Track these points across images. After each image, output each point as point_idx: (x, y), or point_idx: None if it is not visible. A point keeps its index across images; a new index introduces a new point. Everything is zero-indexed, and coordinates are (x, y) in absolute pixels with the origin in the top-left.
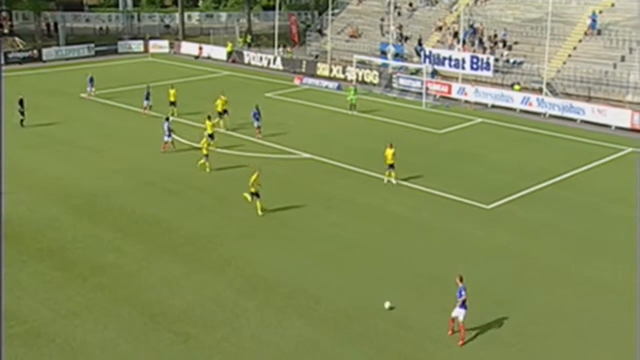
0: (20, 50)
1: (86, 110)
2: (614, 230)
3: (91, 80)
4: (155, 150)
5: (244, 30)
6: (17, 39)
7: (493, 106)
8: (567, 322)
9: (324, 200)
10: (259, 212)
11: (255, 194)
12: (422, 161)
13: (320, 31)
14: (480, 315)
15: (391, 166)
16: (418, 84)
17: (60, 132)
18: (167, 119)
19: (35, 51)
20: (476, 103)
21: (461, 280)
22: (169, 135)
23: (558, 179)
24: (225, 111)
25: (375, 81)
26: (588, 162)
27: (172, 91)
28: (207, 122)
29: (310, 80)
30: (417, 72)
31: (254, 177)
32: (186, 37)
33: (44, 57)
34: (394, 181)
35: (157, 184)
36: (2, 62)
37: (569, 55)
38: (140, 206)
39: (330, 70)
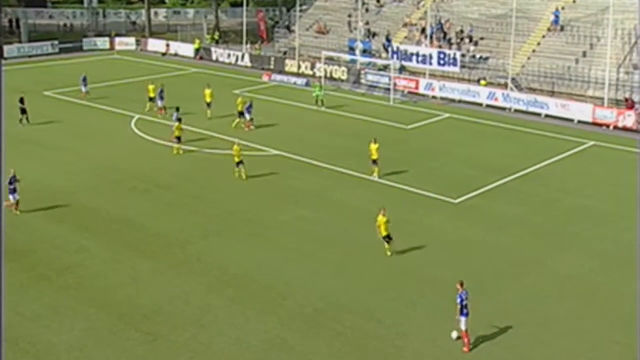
0: None
1: (51, 108)
2: (576, 222)
3: (84, 79)
4: (122, 149)
5: (211, 27)
6: None
7: (460, 101)
8: (534, 313)
9: (293, 196)
10: (388, 253)
11: (387, 237)
12: (390, 156)
13: (288, 27)
14: (449, 307)
15: (374, 162)
16: (386, 79)
17: (24, 131)
18: (177, 109)
19: None
20: (443, 98)
21: (462, 285)
22: None
23: (523, 172)
24: (209, 103)
25: (344, 77)
26: (552, 156)
27: (150, 87)
28: (175, 124)
29: (278, 77)
30: (385, 68)
31: (380, 218)
32: (153, 34)
33: (6, 54)
34: (376, 177)
35: (124, 183)
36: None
37: (533, 51)
38: (107, 205)
39: (299, 67)
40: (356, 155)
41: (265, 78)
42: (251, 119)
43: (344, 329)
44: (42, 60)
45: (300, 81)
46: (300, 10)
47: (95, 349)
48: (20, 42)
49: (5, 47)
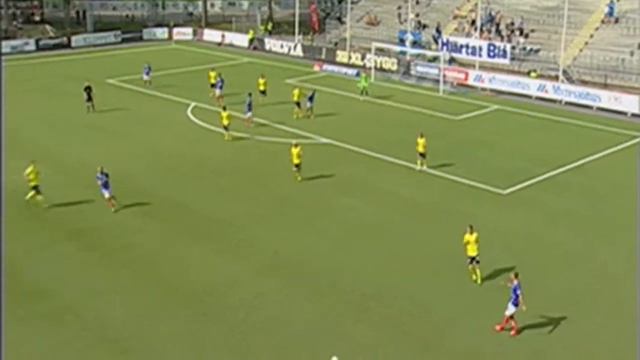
0: (50, 38)
1: (113, 95)
2: (625, 216)
3: (149, 68)
4: (178, 135)
5: (265, 18)
6: (47, 26)
7: (509, 93)
8: (580, 306)
9: (342, 184)
10: (478, 281)
11: (474, 259)
12: (438, 147)
13: (339, 19)
14: (496, 298)
15: (422, 155)
16: (435, 71)
17: (88, 117)
18: (250, 95)
19: (64, 38)
20: (492, 90)
21: (516, 277)
22: (250, 111)
23: (573, 165)
24: (264, 91)
25: (394, 68)
26: (603, 149)
27: (212, 73)
28: (223, 113)
29: (329, 67)
30: (435, 59)
31: (466, 236)
32: (209, 25)
33: (73, 44)
34: (424, 168)
35: (180, 168)
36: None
37: (586, 43)
38: (163, 189)
39: (349, 57)
40: (405, 145)
41: (316, 68)
42: (311, 108)
43: (392, 314)
44: (105, 49)
45: (351, 72)
46: (352, 2)
47: (152, 325)
48: (86, 32)
49: (73, 37)
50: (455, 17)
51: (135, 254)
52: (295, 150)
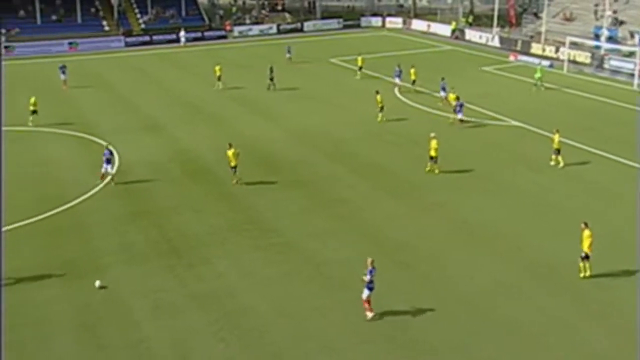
0: (288, 23)
1: (333, 72)
2: None
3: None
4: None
5: (466, 11)
6: (286, 14)
7: None
8: None
9: (528, 163)
10: (580, 274)
11: (586, 256)
12: (627, 136)
13: (536, 14)
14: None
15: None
16: (631, 65)
17: (309, 90)
18: (443, 79)
19: (298, 24)
20: None
21: None
22: (444, 92)
23: None
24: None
25: (587, 61)
26: None
27: (359, 58)
28: (377, 97)
29: (524, 58)
30: (631, 54)
31: (585, 232)
32: (417, 16)
33: (305, 29)
34: (560, 164)
35: (383, 136)
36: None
37: None
38: (369, 153)
39: (544, 50)
40: (593, 132)
41: (511, 58)
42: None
43: (572, 285)
44: (330, 33)
45: (545, 63)
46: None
47: (358, 267)
48: (315, 19)
49: (305, 23)
50: None
51: (346, 206)
52: (434, 143)
